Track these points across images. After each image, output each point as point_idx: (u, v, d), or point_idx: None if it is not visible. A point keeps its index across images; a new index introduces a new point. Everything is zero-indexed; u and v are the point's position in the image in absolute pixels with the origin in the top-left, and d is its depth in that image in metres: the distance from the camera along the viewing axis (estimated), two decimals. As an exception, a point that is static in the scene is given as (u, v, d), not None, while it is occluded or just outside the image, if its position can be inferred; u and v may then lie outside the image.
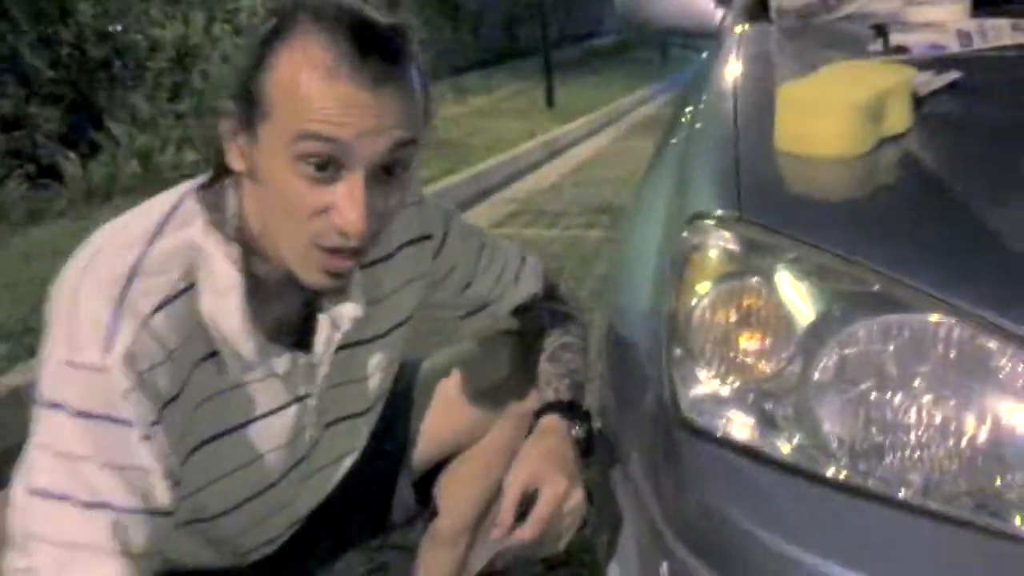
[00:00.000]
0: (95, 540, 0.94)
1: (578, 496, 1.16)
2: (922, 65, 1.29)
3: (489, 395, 1.34)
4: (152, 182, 5.20)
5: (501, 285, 1.32)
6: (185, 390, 1.01)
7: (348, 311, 1.11)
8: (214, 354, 1.03)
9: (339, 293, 1.10)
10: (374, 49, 0.94)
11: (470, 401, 1.34)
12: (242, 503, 1.16)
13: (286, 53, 0.94)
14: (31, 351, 2.65)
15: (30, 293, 3.10)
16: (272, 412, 1.12)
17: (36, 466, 0.95)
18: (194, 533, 1.16)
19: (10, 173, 4.69)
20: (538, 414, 1.25)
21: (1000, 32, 1.36)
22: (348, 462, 1.29)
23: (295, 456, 1.18)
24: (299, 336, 1.11)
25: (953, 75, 1.25)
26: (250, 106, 0.96)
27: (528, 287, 1.34)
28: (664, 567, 1.03)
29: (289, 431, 1.15)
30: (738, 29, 1.81)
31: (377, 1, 0.99)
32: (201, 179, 1.05)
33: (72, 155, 5.07)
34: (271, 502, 1.19)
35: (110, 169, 5.00)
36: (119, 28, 5.93)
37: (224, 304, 1.02)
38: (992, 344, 0.88)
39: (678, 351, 1.05)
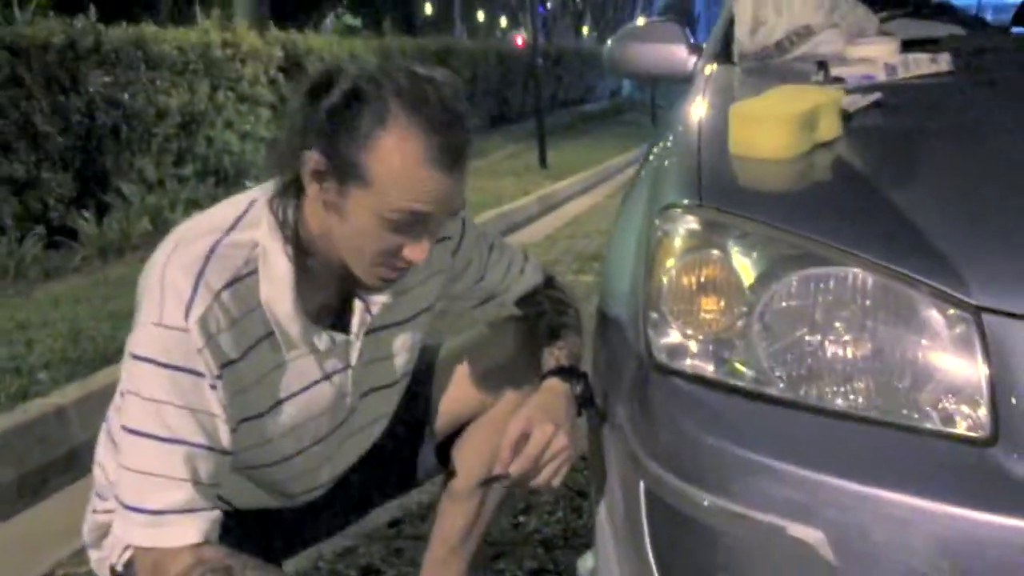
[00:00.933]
0: (170, 469, 1.19)
1: (563, 439, 1.38)
2: (852, 90, 1.55)
3: (499, 370, 1.57)
4: (160, 240, 5.45)
5: (509, 278, 1.56)
6: (245, 359, 1.25)
7: (379, 298, 1.35)
8: (269, 335, 1.27)
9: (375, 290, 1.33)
10: (458, 141, 1.20)
11: (483, 376, 1.57)
12: (292, 456, 1.38)
13: (387, 140, 1.17)
14: (69, 376, 2.87)
15: (62, 331, 3.36)
16: (316, 383, 1.35)
17: (126, 409, 1.21)
18: (250, 477, 1.38)
19: (25, 235, 4.91)
20: (542, 379, 1.48)
21: (920, 64, 1.62)
22: (379, 427, 1.52)
23: (336, 420, 1.41)
24: (337, 319, 1.35)
25: (876, 96, 1.51)
26: (346, 168, 1.18)
27: (531, 279, 1.59)
28: (641, 485, 1.25)
29: (331, 399, 1.38)
30: (707, 70, 2.07)
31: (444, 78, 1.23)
32: (270, 188, 1.29)
33: (87, 214, 5.29)
34: (316, 458, 1.42)
35: (122, 227, 5.22)
36: (127, 96, 6.16)
37: (277, 291, 1.25)
38: (897, 288, 1.12)
39: (653, 314, 1.28)
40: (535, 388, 1.47)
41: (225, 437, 1.23)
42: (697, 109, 1.73)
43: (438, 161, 1.18)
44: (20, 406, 2.58)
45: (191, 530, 1.19)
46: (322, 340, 1.32)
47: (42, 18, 6.11)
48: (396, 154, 1.17)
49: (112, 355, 2.99)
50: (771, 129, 1.35)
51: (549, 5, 23.27)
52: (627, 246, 1.52)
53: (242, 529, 1.33)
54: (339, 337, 1.34)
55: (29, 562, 2.19)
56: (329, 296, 1.33)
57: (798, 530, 1.07)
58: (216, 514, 1.22)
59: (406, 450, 1.60)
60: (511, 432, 1.38)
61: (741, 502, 1.11)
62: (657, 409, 1.23)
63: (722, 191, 1.34)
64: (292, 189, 1.25)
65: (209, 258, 1.22)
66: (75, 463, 2.56)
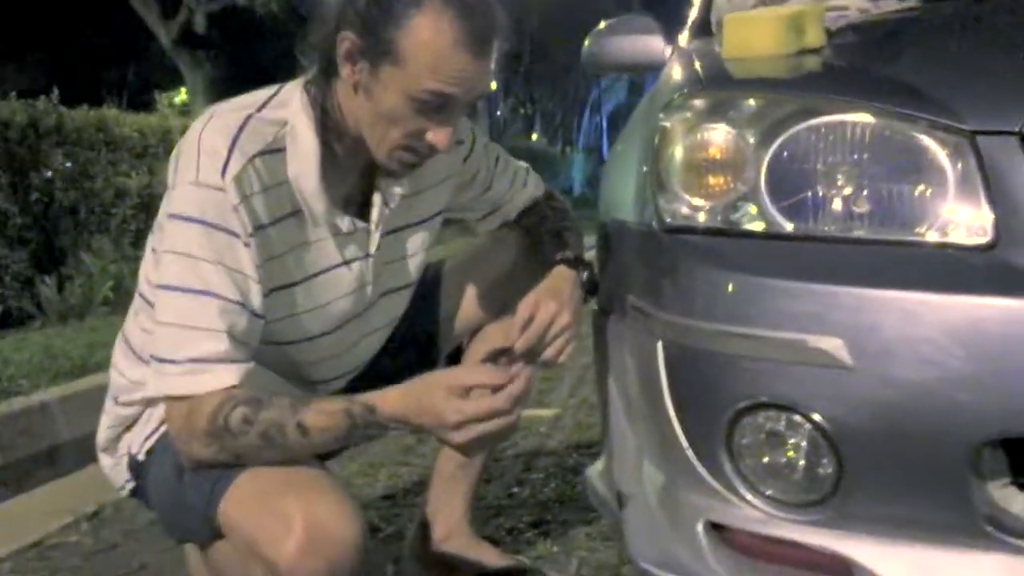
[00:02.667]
0: (206, 321, 1.23)
1: (567, 316, 1.47)
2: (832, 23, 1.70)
3: (505, 277, 1.64)
4: (125, 302, 5.42)
5: (513, 189, 1.64)
6: (275, 227, 1.31)
7: (397, 190, 1.42)
8: (296, 213, 1.33)
9: (393, 176, 1.41)
10: (488, 27, 1.27)
11: (489, 284, 1.64)
12: (316, 336, 1.42)
13: (422, 20, 1.23)
14: (50, 383, 2.85)
15: (37, 351, 3.35)
16: (338, 266, 1.41)
17: (162, 268, 1.26)
18: (275, 361, 1.41)
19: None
20: (549, 269, 1.55)
21: (888, 6, 1.78)
22: (389, 330, 1.57)
23: (357, 308, 1.46)
24: (357, 210, 1.41)
25: (855, 16, 1.66)
26: (379, 46, 1.25)
27: (533, 191, 1.67)
28: (658, 346, 1.31)
29: (352, 285, 1.43)
30: (686, 44, 2.21)
31: None
32: (304, 76, 1.36)
33: (48, 280, 5.26)
34: (337, 344, 1.46)
35: (85, 291, 5.20)
36: (87, 176, 6.20)
37: (304, 167, 1.32)
38: (896, 125, 1.22)
39: (663, 193, 1.36)
40: (544, 278, 1.54)
41: (257, 299, 1.28)
42: (681, 57, 1.85)
43: (468, 44, 1.25)
44: (3, 402, 2.55)
45: (227, 375, 1.23)
46: (344, 222, 1.38)
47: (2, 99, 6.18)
48: (428, 33, 1.24)
49: (91, 367, 2.98)
50: (763, 28, 1.47)
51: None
52: (628, 161, 1.61)
53: None
54: (360, 223, 1.41)
55: (18, 535, 2.16)
56: (351, 186, 1.40)
57: (817, 340, 1.14)
58: (251, 366, 1.26)
59: (417, 360, 1.63)
60: (520, 313, 1.46)
61: (762, 325, 1.18)
62: (671, 262, 1.31)
63: (722, 79, 1.45)
64: (325, 73, 1.32)
65: (243, 128, 1.29)
66: (59, 458, 2.53)
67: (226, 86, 12.41)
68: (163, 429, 1.36)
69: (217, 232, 1.24)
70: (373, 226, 1.43)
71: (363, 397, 1.26)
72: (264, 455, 1.24)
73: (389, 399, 1.26)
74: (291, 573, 1.18)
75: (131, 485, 1.44)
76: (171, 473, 1.32)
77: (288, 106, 1.33)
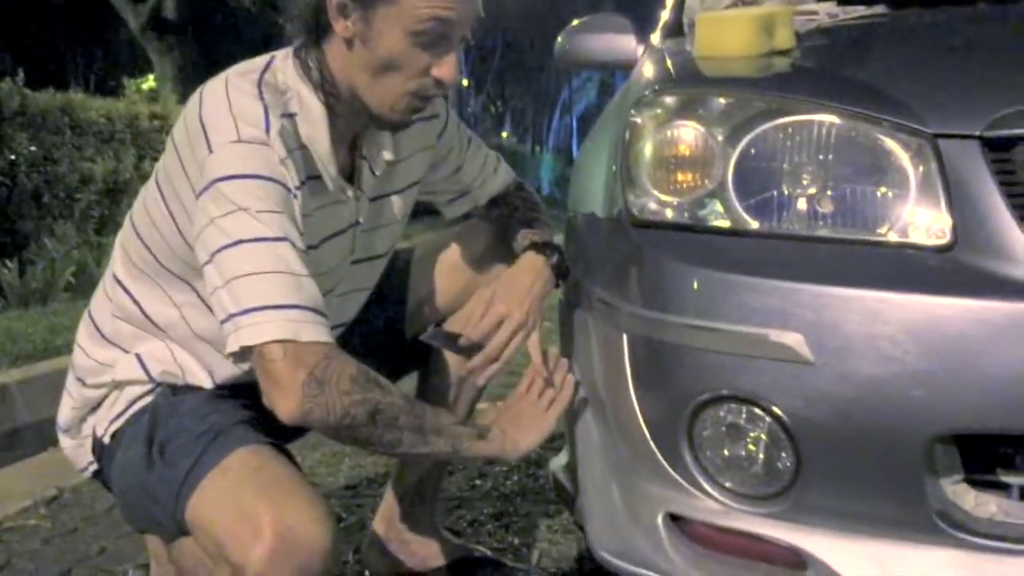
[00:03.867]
0: (285, 265, 1.19)
1: (518, 315, 1.48)
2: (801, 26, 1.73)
3: (473, 264, 1.63)
4: (87, 288, 5.37)
5: (483, 174, 1.65)
6: (301, 189, 1.27)
7: (383, 156, 1.43)
8: (312, 177, 1.31)
9: (378, 144, 1.41)
10: None
11: (457, 271, 1.63)
12: (339, 290, 1.43)
13: None
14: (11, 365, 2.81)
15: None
16: (339, 233, 1.40)
17: (219, 230, 1.19)
18: None
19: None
20: (520, 252, 1.56)
21: (856, 11, 1.81)
22: (363, 297, 1.57)
23: (336, 277, 1.45)
24: (347, 177, 1.40)
25: (824, 19, 1.69)
26: None
27: (503, 179, 1.67)
28: (624, 339, 1.33)
29: (346, 250, 1.43)
30: (658, 43, 2.24)
31: None
32: (291, 46, 1.34)
33: (9, 264, 5.19)
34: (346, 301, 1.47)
35: (47, 276, 5.14)
36: (51, 160, 6.13)
37: (317, 131, 1.30)
38: (860, 127, 1.25)
39: (632, 188, 1.38)
40: (513, 262, 1.55)
41: (303, 246, 1.23)
42: (653, 55, 1.87)
43: None
44: (-38, 383, 2.52)
45: (323, 328, 1.19)
46: (348, 189, 1.38)
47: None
48: None
49: (52, 351, 2.95)
50: (735, 28, 1.49)
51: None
52: (598, 156, 1.63)
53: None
54: (356, 190, 1.40)
55: (-27, 518, 2.13)
56: (343, 154, 1.38)
57: (778, 335, 1.16)
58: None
59: (383, 343, 1.64)
60: (473, 307, 1.51)
61: (725, 319, 1.20)
62: (638, 255, 1.33)
63: (693, 76, 1.48)
64: (315, 38, 1.30)
65: (262, 90, 1.27)
66: (18, 441, 2.50)
67: (195, 73, 12.31)
68: (131, 412, 1.35)
69: (272, 184, 1.21)
70: (363, 192, 1.43)
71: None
72: (398, 419, 1.24)
73: (492, 431, 1.40)
74: None
75: (94, 467, 1.43)
76: (140, 463, 1.30)
77: (285, 73, 1.31)
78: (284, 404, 1.18)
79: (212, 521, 1.20)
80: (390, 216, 1.52)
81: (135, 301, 1.38)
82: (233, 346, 1.17)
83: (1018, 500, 1.16)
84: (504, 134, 30.64)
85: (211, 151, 1.22)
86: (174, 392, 1.36)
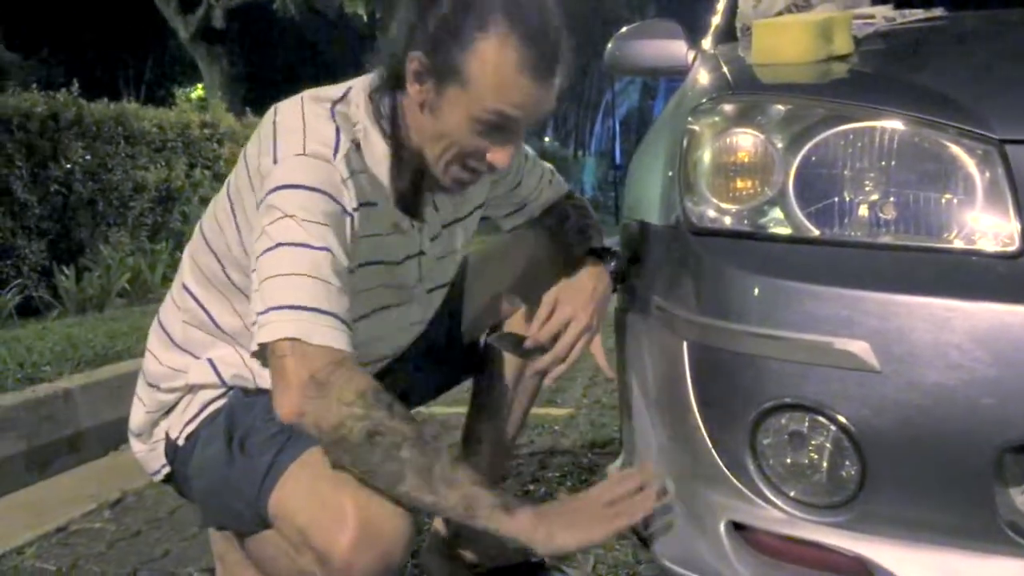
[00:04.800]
0: (323, 272, 1.22)
1: (584, 318, 1.50)
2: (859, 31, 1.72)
3: (528, 269, 1.65)
4: (141, 294, 5.47)
5: (539, 187, 1.67)
6: (359, 212, 1.31)
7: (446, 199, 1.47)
8: (370, 204, 1.35)
9: (446, 191, 1.43)
10: (551, 52, 1.28)
11: (513, 276, 1.66)
12: (370, 313, 1.45)
13: (487, 43, 1.24)
14: (73, 371, 2.88)
15: (59, 341, 3.40)
16: (401, 260, 1.44)
17: (271, 232, 1.24)
18: None
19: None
20: (577, 260, 1.57)
21: (915, 14, 1.79)
22: (425, 324, 1.59)
23: (400, 300, 1.49)
24: (412, 208, 1.42)
25: (882, 24, 1.68)
26: (446, 68, 1.26)
27: (557, 190, 1.69)
28: (684, 347, 1.33)
29: (410, 276, 1.47)
30: (711, 48, 2.23)
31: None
32: (366, 82, 1.37)
33: (67, 271, 5.30)
34: (385, 325, 1.49)
35: (103, 283, 5.24)
36: (105, 169, 6.24)
37: (379, 166, 1.35)
38: (925, 132, 1.24)
39: (690, 195, 1.38)
40: (572, 268, 1.56)
41: (350, 265, 1.28)
42: (708, 62, 1.87)
43: (531, 68, 1.26)
44: (27, 388, 2.58)
45: (341, 336, 1.21)
46: (405, 221, 1.41)
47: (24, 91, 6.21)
48: (493, 56, 1.25)
49: (112, 356, 3.01)
50: (793, 34, 1.49)
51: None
52: (654, 163, 1.63)
53: None
54: (416, 222, 1.43)
55: (41, 521, 2.19)
56: (407, 186, 1.40)
57: (844, 343, 1.15)
58: (353, 334, 1.25)
59: (441, 351, 1.66)
60: (540, 309, 1.51)
61: (788, 327, 1.20)
62: (698, 263, 1.33)
63: (751, 83, 1.47)
64: (392, 87, 1.33)
65: (335, 116, 1.32)
66: (82, 445, 2.56)
67: (243, 82, 12.49)
68: (205, 414, 1.39)
69: (328, 199, 1.25)
70: (426, 225, 1.46)
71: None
72: (393, 468, 1.19)
73: (526, 508, 1.24)
74: (345, 566, 1.20)
75: (166, 470, 1.47)
76: (221, 458, 1.34)
77: (359, 107, 1.35)
78: (281, 401, 1.19)
79: (296, 511, 1.25)
80: (456, 243, 1.55)
81: (204, 309, 1.42)
82: (253, 345, 1.22)
83: (1089, 510, 1.15)
84: (547, 138, 30.66)
85: (275, 162, 1.26)
86: (246, 394, 1.40)
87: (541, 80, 1.28)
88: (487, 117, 1.28)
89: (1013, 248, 1.15)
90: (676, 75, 2.35)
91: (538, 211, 1.70)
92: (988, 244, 1.17)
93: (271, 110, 1.34)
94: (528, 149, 1.65)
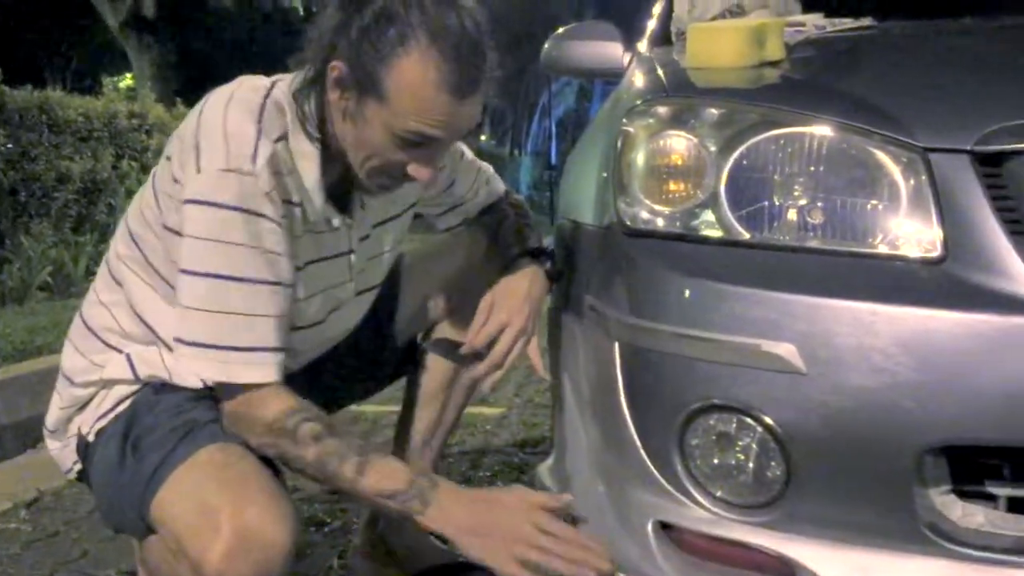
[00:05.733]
0: (243, 307, 1.24)
1: (519, 321, 1.48)
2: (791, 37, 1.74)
3: (464, 270, 1.64)
4: (63, 287, 5.33)
5: (475, 186, 1.65)
6: (289, 218, 1.30)
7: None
8: (299, 203, 1.32)
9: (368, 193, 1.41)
10: (473, 71, 1.24)
11: (449, 276, 1.64)
12: (299, 328, 1.42)
13: (407, 61, 1.20)
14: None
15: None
16: (330, 258, 1.41)
17: (192, 253, 1.25)
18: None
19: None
20: (513, 259, 1.56)
21: (844, 23, 1.82)
22: (354, 325, 1.57)
23: (335, 305, 1.47)
24: (340, 205, 1.40)
25: (813, 32, 1.70)
26: (366, 81, 1.22)
27: (494, 189, 1.68)
28: (615, 347, 1.34)
29: (334, 279, 1.44)
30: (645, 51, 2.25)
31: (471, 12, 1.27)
32: (290, 79, 1.32)
33: (-17, 263, 5.15)
34: (315, 336, 1.47)
35: (23, 275, 5.09)
36: (30, 158, 6.07)
37: (306, 163, 1.31)
38: (852, 139, 1.26)
39: (624, 197, 1.39)
40: (507, 269, 1.55)
41: (289, 271, 1.30)
42: (643, 64, 1.88)
43: (452, 87, 1.22)
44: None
45: (268, 370, 1.26)
46: (336, 219, 1.38)
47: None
48: (413, 75, 1.21)
49: (32, 352, 2.92)
50: (727, 39, 1.50)
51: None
52: (589, 164, 1.63)
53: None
54: (347, 219, 1.41)
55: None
56: (334, 183, 1.38)
57: (771, 345, 1.17)
58: (283, 355, 1.29)
59: (374, 351, 1.64)
60: (477, 315, 1.49)
61: (717, 329, 1.21)
62: (630, 264, 1.33)
63: (685, 87, 1.48)
64: (315, 85, 1.29)
65: (263, 111, 1.28)
66: (-5, 443, 2.48)
67: (174, 72, 12.23)
68: (117, 411, 1.35)
69: (251, 216, 1.24)
70: (355, 222, 1.43)
71: (433, 476, 1.29)
72: (308, 472, 1.27)
73: (457, 493, 1.27)
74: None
75: (78, 467, 1.42)
76: (114, 458, 1.31)
77: (286, 103, 1.31)
78: (236, 432, 1.29)
79: (174, 516, 1.23)
80: (388, 243, 1.53)
81: (128, 303, 1.38)
82: (177, 363, 1.28)
83: (1005, 511, 1.17)
84: (483, 137, 30.65)
85: (199, 171, 1.24)
86: (155, 392, 1.36)
87: (463, 99, 1.25)
88: (406, 135, 1.25)
89: (935, 254, 1.18)
90: (612, 77, 2.36)
91: (474, 211, 1.68)
92: (912, 250, 1.20)
93: (202, 100, 1.30)
94: (464, 148, 1.64)
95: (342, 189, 1.39)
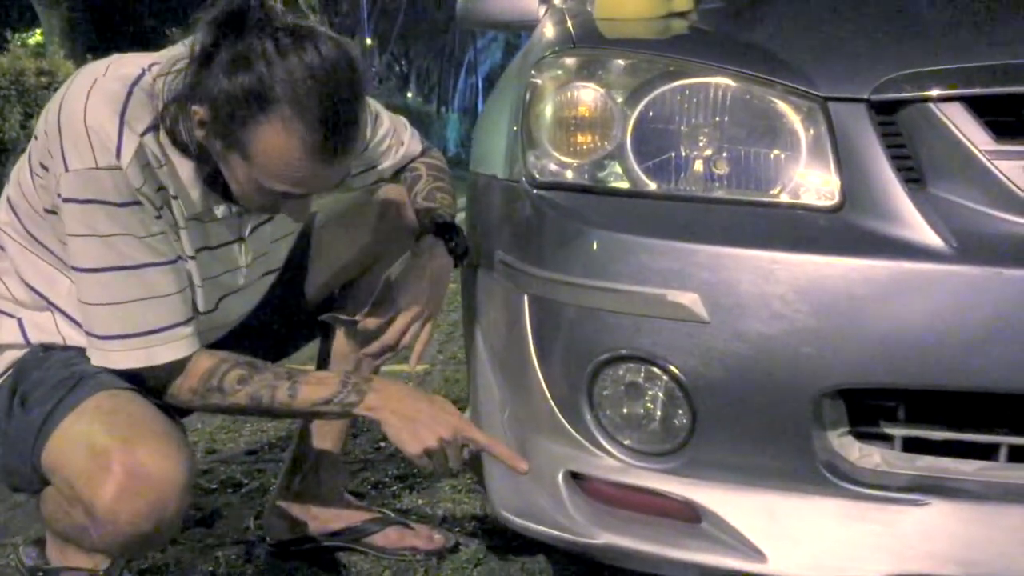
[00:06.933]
0: (137, 293, 1.24)
1: (415, 307, 1.48)
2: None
3: (374, 235, 1.62)
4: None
5: (390, 149, 1.63)
6: (166, 209, 1.28)
7: None
8: (174, 196, 1.29)
9: None
10: (342, 135, 1.18)
11: (359, 237, 1.62)
12: (216, 305, 1.42)
13: (270, 129, 1.14)
14: None
15: None
16: (216, 247, 1.38)
17: (78, 251, 1.23)
18: None
19: None
20: (418, 238, 1.55)
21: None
22: (260, 297, 1.56)
23: (231, 289, 1.45)
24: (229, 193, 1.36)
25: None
26: (228, 136, 1.17)
27: (411, 149, 1.66)
28: (524, 299, 1.34)
29: (225, 265, 1.41)
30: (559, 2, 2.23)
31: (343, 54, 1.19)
32: (167, 63, 1.23)
33: None
34: (214, 320, 1.44)
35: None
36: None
37: (179, 160, 1.27)
38: (755, 89, 1.27)
39: (532, 149, 1.38)
40: (411, 246, 1.54)
41: (173, 248, 1.29)
42: (554, 15, 1.87)
43: (319, 156, 1.17)
44: None
45: (180, 345, 1.28)
46: (220, 208, 1.35)
47: None
48: (275, 144, 1.16)
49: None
50: (635, -10, 1.50)
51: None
52: (499, 116, 1.62)
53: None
54: (234, 208, 1.36)
55: None
56: (212, 180, 1.32)
57: (676, 295, 1.18)
58: (194, 323, 1.31)
59: (283, 316, 1.62)
60: (375, 298, 1.49)
61: (624, 280, 1.22)
62: (539, 217, 1.33)
63: (593, 37, 1.47)
64: (183, 112, 1.22)
65: (128, 101, 1.22)
66: None
67: (84, 29, 11.82)
68: (8, 374, 1.32)
69: (122, 209, 1.22)
70: (247, 214, 1.40)
71: (367, 375, 1.37)
72: (248, 412, 1.34)
73: (392, 383, 1.37)
74: (110, 515, 1.18)
75: None
76: (2, 417, 1.30)
77: (157, 92, 1.24)
78: (169, 399, 1.33)
79: (64, 463, 1.22)
80: (285, 228, 1.51)
81: (16, 271, 1.35)
82: (95, 361, 1.27)
83: (900, 451, 1.21)
84: (409, 94, 30.31)
85: (66, 169, 1.20)
86: (45, 349, 1.34)
87: (328, 163, 1.20)
88: (271, 191, 1.22)
89: (833, 202, 1.20)
90: (527, 29, 2.34)
91: (390, 172, 1.66)
92: (811, 198, 1.22)
93: (59, 91, 1.25)
94: (379, 107, 1.61)
95: (223, 186, 1.33)
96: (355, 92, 1.20)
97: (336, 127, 1.17)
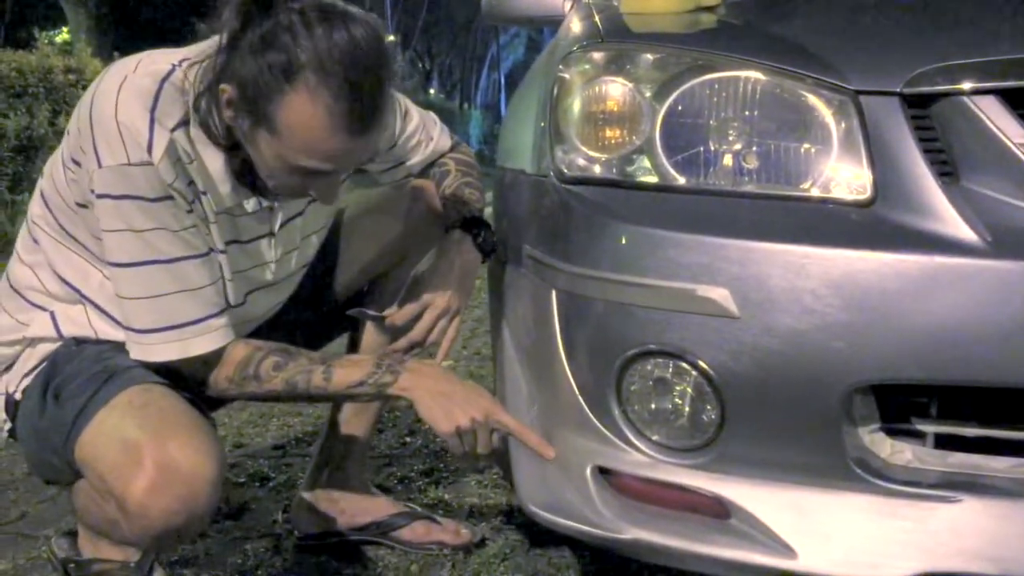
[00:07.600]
0: (172, 287, 1.26)
1: (441, 303, 1.50)
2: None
3: (403, 225, 1.63)
4: (1, 248, 5.21)
5: (419, 144, 1.63)
6: (198, 202, 1.30)
7: None
8: (203, 192, 1.30)
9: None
10: (369, 105, 1.19)
11: (388, 231, 1.63)
12: (244, 299, 1.43)
13: (296, 99, 1.15)
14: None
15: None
16: (245, 241, 1.40)
17: (114, 246, 1.25)
18: None
19: None
20: (446, 231, 1.55)
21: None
22: (283, 300, 1.57)
23: (261, 283, 1.46)
24: (260, 187, 1.37)
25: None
26: (256, 112, 1.18)
27: (440, 144, 1.66)
28: (552, 295, 1.34)
29: (255, 259, 1.43)
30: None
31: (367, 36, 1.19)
32: (198, 56, 1.25)
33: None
34: (244, 313, 1.45)
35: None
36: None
37: (209, 154, 1.28)
38: (786, 83, 1.26)
39: (560, 144, 1.38)
40: (439, 242, 1.54)
41: (206, 241, 1.31)
42: (581, 10, 1.86)
43: (344, 125, 1.18)
44: None
45: (215, 337, 1.30)
46: (250, 203, 1.36)
47: None
48: (302, 115, 1.16)
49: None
50: (663, -16, 1.49)
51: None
52: (527, 111, 1.62)
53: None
54: (264, 202, 1.38)
55: None
56: (242, 174, 1.34)
57: (705, 290, 1.17)
58: (228, 313, 1.33)
59: (312, 310, 1.63)
60: (403, 295, 1.51)
61: (653, 274, 1.21)
62: (567, 212, 1.33)
63: (621, 32, 1.47)
64: (211, 97, 1.24)
65: (159, 96, 1.23)
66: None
67: (110, 27, 11.91)
68: (42, 368, 1.33)
69: (155, 204, 1.23)
70: (279, 207, 1.42)
71: (400, 356, 1.41)
72: (283, 399, 1.37)
73: (426, 364, 1.38)
74: (140, 509, 1.19)
75: (8, 427, 1.41)
76: (36, 411, 1.31)
77: (187, 87, 1.26)
78: (208, 390, 1.35)
79: (97, 457, 1.24)
80: (316, 223, 1.52)
81: (49, 264, 1.36)
82: (134, 355, 1.29)
83: (931, 447, 1.20)
84: (432, 91, 30.35)
85: (99, 166, 1.22)
86: (78, 343, 1.35)
87: (355, 135, 1.20)
88: (300, 167, 1.22)
89: (865, 196, 1.19)
90: (553, 25, 2.34)
91: (418, 168, 1.66)
92: (843, 192, 1.21)
93: (99, 76, 1.27)
94: (408, 103, 1.61)
95: (253, 179, 1.35)
96: (381, 62, 1.21)
97: (362, 96, 1.17)
